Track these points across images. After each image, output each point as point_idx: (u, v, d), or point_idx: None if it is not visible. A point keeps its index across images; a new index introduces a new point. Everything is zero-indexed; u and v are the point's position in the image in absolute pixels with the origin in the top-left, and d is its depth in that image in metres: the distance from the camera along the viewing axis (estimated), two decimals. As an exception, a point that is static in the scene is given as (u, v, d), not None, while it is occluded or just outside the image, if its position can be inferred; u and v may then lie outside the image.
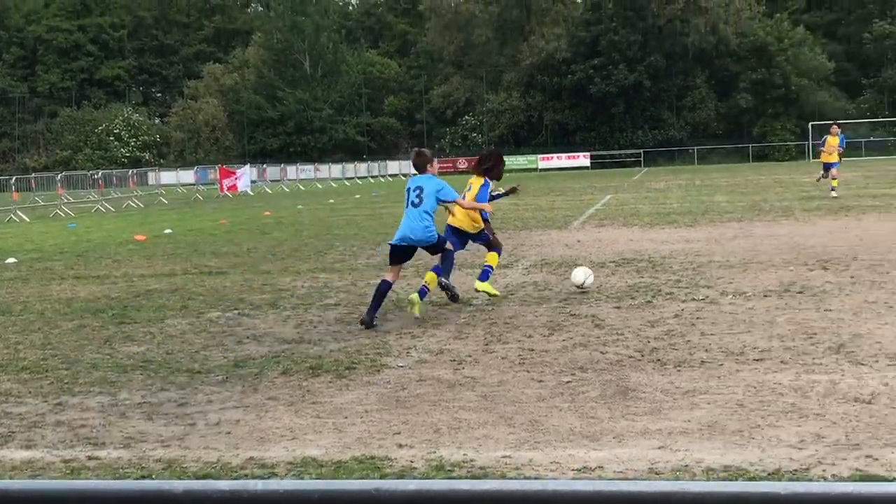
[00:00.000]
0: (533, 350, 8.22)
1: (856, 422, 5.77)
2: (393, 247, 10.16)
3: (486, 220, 11.20)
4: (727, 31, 72.07)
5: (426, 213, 10.05)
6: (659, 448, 5.45)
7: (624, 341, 8.42)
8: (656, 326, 9.02)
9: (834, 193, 25.06)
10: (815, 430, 5.63)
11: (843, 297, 10.16)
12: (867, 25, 74.01)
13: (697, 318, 9.39)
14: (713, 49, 73.44)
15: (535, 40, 74.18)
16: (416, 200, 10.11)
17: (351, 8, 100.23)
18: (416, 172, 10.64)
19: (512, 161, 72.81)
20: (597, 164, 70.69)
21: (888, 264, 12.49)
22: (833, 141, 25.70)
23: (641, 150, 71.59)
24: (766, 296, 10.51)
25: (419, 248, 10.35)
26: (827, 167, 25.84)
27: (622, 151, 72.48)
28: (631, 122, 73.88)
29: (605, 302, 10.58)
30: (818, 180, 27.11)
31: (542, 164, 72.00)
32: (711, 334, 8.55)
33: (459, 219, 10.97)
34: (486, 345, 8.54)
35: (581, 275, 11.45)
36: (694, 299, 10.48)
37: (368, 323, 9.51)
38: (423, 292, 10.23)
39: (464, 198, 10.82)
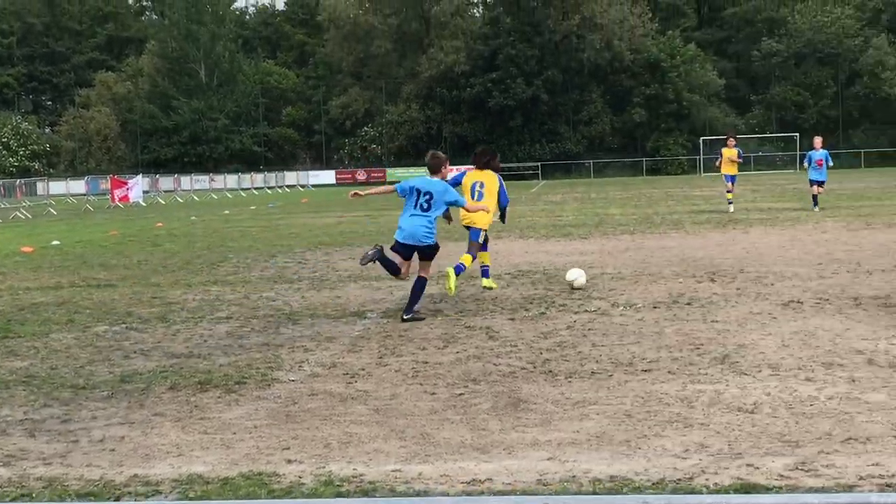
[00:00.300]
0: (427, 363, 8.22)
1: (738, 431, 5.89)
2: (401, 244, 10.73)
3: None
4: (622, 47, 73.46)
5: (432, 220, 10.69)
6: (548, 459, 5.48)
7: (517, 353, 8.47)
8: (549, 338, 9.10)
9: (731, 208, 25.46)
10: (699, 440, 5.73)
11: (729, 309, 10.40)
12: (756, 43, 76.26)
13: (589, 329, 9.51)
14: (608, 65, 74.78)
15: (435, 53, 74.52)
16: (425, 205, 10.66)
17: (248, 17, 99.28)
18: (427, 173, 11.14)
19: (412, 173, 73.05)
20: (495, 176, 71.25)
21: (773, 276, 12.85)
22: (729, 153, 26.01)
23: (539, 163, 72.43)
24: (655, 307, 10.70)
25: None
26: (728, 179, 25.98)
27: (520, 164, 73.21)
28: (529, 135, 74.66)
29: (499, 314, 10.64)
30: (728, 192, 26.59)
31: (441, 177, 72.32)
32: (602, 345, 8.67)
33: (467, 216, 11.95)
34: (380, 358, 8.50)
35: (574, 274, 12.38)
36: (586, 311, 10.61)
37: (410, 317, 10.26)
38: (459, 269, 11.18)
39: (480, 196, 12.01)
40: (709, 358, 7.99)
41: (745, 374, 7.37)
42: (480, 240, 12.11)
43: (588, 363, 7.96)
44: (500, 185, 12.51)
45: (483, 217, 11.92)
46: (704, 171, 68.22)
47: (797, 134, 71.04)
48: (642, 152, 74.21)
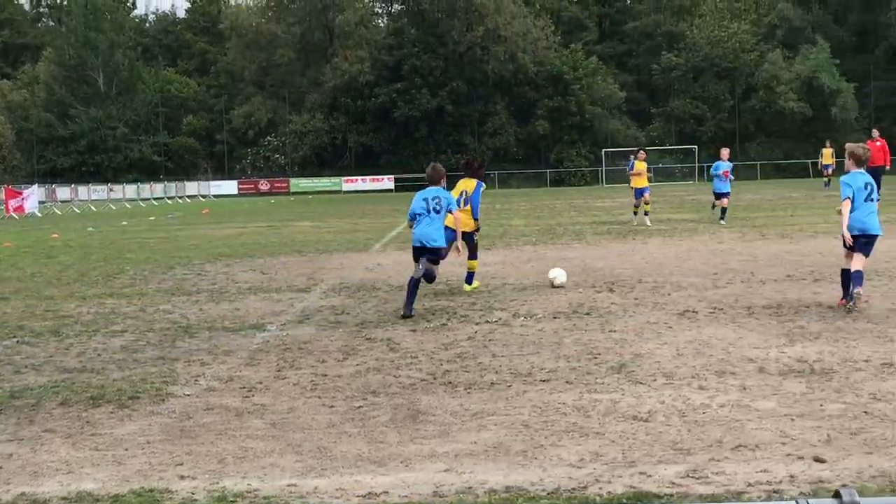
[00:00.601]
0: (326, 375, 8.15)
1: (633, 440, 5.98)
2: (417, 248, 11.66)
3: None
4: (525, 59, 74.14)
5: (441, 222, 11.76)
6: (445, 471, 5.48)
7: (417, 364, 8.46)
8: (450, 349, 9.12)
9: (648, 220, 24.94)
10: (594, 449, 5.80)
11: (627, 319, 10.56)
12: (656, 57, 77.74)
13: (490, 339, 9.55)
14: (512, 76, 75.41)
15: (339, 62, 74.23)
16: (437, 208, 11.70)
17: (148, 25, 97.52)
18: (428, 184, 12.26)
19: (315, 183, 72.60)
20: (401, 187, 71.17)
21: (669, 286, 13.09)
22: (640, 165, 25.75)
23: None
24: (555, 317, 10.80)
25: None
26: (639, 193, 25.31)
27: (425, 175, 73.32)
28: (434, 145, 74.81)
29: (401, 325, 10.63)
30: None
31: (346, 187, 71.98)
32: (502, 356, 8.71)
33: (465, 222, 12.95)
34: (279, 371, 8.41)
35: (554, 273, 13.53)
36: (487, 321, 10.67)
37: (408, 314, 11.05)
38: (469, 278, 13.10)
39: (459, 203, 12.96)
40: (606, 367, 8.09)
41: (641, 383, 7.48)
42: (476, 239, 13.55)
43: (488, 374, 7.99)
44: (477, 188, 13.60)
45: (471, 221, 13.24)
46: (607, 183, 69.27)
47: (696, 146, 72.62)
48: (546, 164, 74.97)
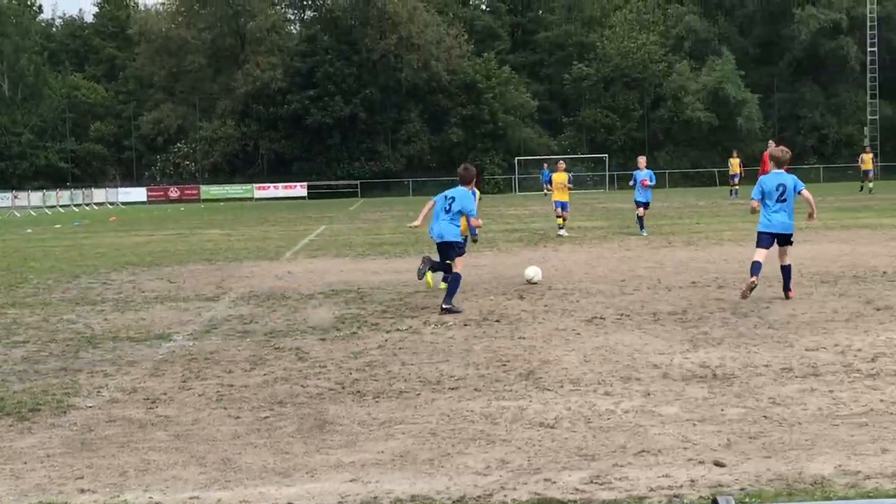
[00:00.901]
0: (232, 386, 8.05)
1: (538, 446, 6.02)
2: (437, 244, 12.58)
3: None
4: (439, 67, 74.37)
5: (453, 220, 12.45)
6: (351, 481, 5.46)
7: (326, 374, 8.41)
8: (359, 358, 9.08)
9: (562, 232, 24.25)
10: (500, 456, 5.83)
11: (536, 325, 10.65)
12: (567, 67, 78.68)
13: (400, 348, 9.54)
14: (426, 84, 75.59)
15: (250, 69, 73.53)
16: (448, 208, 12.42)
17: (55, 29, 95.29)
18: (459, 183, 12.77)
19: (227, 190, 71.77)
20: (314, 194, 70.81)
21: (578, 293, 13.24)
22: (560, 178, 25.27)
23: (358, 182, 72.48)
24: (466, 325, 10.84)
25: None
26: (561, 206, 24.61)
27: (339, 182, 73.03)
28: (347, 153, 74.57)
29: (310, 334, 10.55)
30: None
31: (258, 194, 71.30)
32: (412, 364, 8.71)
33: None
34: (184, 382, 8.28)
35: (531, 272, 14.48)
36: (398, 329, 10.66)
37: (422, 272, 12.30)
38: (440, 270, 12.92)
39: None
40: (514, 374, 8.14)
41: (548, 390, 7.55)
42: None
43: (397, 382, 7.98)
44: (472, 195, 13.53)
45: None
46: (520, 190, 69.85)
47: (606, 155, 73.70)
48: (460, 171, 75.29)
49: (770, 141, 35.07)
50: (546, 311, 11.74)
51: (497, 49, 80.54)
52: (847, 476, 5.26)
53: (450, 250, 12.41)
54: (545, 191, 55.59)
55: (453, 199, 12.47)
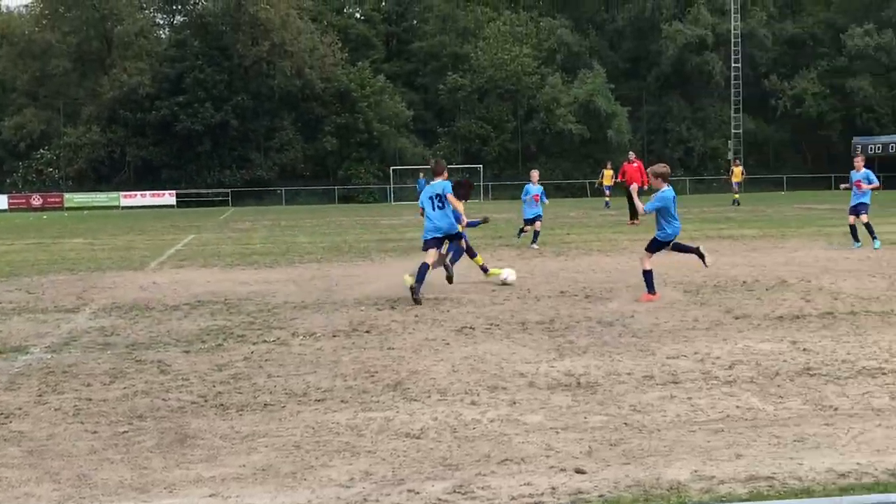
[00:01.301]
0: (91, 399, 7.80)
1: (404, 457, 6.00)
2: (426, 241, 13.93)
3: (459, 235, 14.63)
4: (313, 75, 73.82)
5: (448, 213, 13.89)
6: (210, 496, 5.34)
7: (188, 387, 8.22)
8: (224, 370, 8.91)
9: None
10: (365, 468, 5.78)
11: (406, 336, 10.64)
12: (442, 78, 79.11)
13: (266, 359, 9.40)
14: (299, 92, 74.92)
15: (117, 73, 71.65)
16: (440, 205, 13.88)
17: None
18: (433, 177, 14.35)
19: (92, 198, 69.72)
20: (183, 202, 69.41)
21: (449, 302, 13.30)
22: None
23: (229, 190, 71.35)
24: (335, 336, 10.75)
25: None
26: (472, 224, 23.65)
27: (209, 190, 71.75)
28: (218, 161, 73.28)
29: (174, 346, 10.30)
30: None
31: (124, 202, 69.43)
32: (278, 376, 8.59)
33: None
34: (40, 396, 7.98)
35: (505, 273, 15.32)
36: (265, 341, 10.50)
37: (417, 297, 13.25)
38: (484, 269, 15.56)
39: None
40: (382, 385, 8.11)
41: (415, 400, 7.53)
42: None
43: (262, 395, 7.86)
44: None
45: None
46: (395, 200, 69.89)
47: (481, 165, 74.37)
48: (334, 180, 74.87)
49: (630, 153, 35.99)
50: (417, 321, 11.74)
51: (372, 58, 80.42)
52: (702, 481, 5.39)
53: (454, 236, 14.26)
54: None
55: (439, 196, 13.87)
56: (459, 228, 14.44)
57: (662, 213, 13.20)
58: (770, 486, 5.27)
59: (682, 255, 14.07)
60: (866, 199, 20.60)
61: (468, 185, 16.39)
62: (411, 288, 13.38)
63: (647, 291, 13.17)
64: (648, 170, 13.75)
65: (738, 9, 79.12)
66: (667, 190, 13.17)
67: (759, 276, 15.49)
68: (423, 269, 13.61)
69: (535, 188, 23.31)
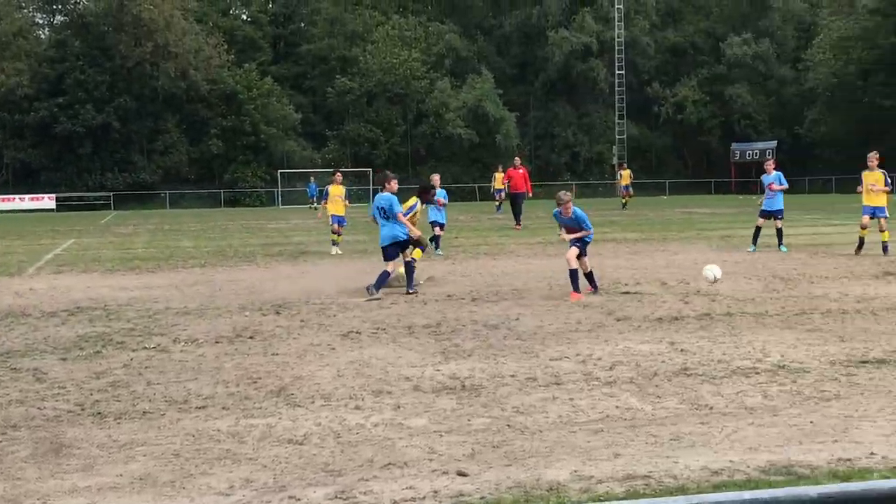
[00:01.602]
0: (-40, 410, 7.53)
1: (286, 463, 5.95)
2: (385, 248, 14.86)
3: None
4: (198, 77, 72.63)
5: (396, 223, 14.80)
6: (85, 508, 5.20)
7: (65, 395, 8.01)
8: (102, 378, 8.70)
9: (335, 250, 22.70)
10: (245, 475, 5.71)
11: (291, 341, 10.55)
12: (330, 81, 78.71)
13: (146, 367, 9.21)
14: (184, 94, 73.61)
15: (-5, 74, 69.40)
16: (387, 216, 14.86)
17: None
18: (380, 189, 15.50)
19: (-32, 202, 67.27)
20: (63, 206, 67.43)
21: (336, 307, 13.23)
22: (336, 190, 24.12)
23: (111, 193, 69.66)
24: (217, 342, 10.60)
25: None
26: (338, 221, 23.39)
27: (91, 194, 69.91)
28: (100, 163, 71.44)
29: (50, 354, 10.01)
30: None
31: (1, 206, 67.16)
32: (158, 383, 8.42)
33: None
34: None
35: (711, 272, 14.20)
36: (145, 348, 10.28)
37: (375, 295, 14.10)
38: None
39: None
40: (265, 392, 8.02)
41: (299, 406, 7.48)
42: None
43: (141, 402, 7.70)
44: (413, 205, 16.22)
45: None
46: (283, 204, 69.22)
47: (370, 169, 74.21)
48: (220, 183, 73.77)
49: (516, 158, 36.25)
50: (302, 326, 11.66)
51: (259, 60, 79.49)
52: (581, 481, 5.48)
53: (400, 247, 14.84)
54: (312, 204, 55.37)
55: (384, 210, 14.90)
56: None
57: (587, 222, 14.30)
58: (646, 485, 5.39)
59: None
60: (781, 205, 21.15)
61: (429, 189, 17.29)
62: (367, 289, 14.33)
63: (573, 290, 13.77)
64: (561, 206, 14.19)
65: (622, 17, 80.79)
66: (576, 208, 14.24)
67: (641, 279, 15.83)
68: (384, 276, 14.57)
69: (439, 193, 22.47)
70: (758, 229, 21.24)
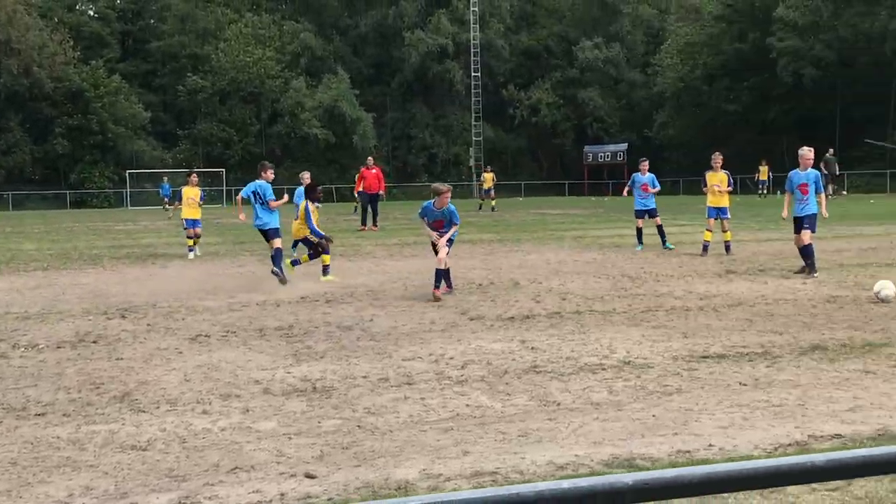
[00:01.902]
0: None
1: (128, 470, 5.79)
2: (265, 231, 15.96)
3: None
4: (42, 74, 70.06)
5: (266, 209, 15.86)
6: None
7: None
8: (-67, 386, 8.29)
9: (193, 254, 21.97)
10: (86, 483, 5.53)
11: (137, 345, 10.27)
12: (181, 79, 77.05)
13: (-17, 374, 8.82)
14: (27, 91, 70.92)
15: None
16: (261, 201, 15.84)
17: None
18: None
19: None
20: None
21: (185, 311, 12.95)
22: (192, 192, 23.08)
23: (-51, 194, 66.65)
24: (59, 347, 10.24)
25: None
26: (192, 223, 22.47)
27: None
28: (-63, 163, 68.34)
29: None
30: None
31: None
32: (-6, 391, 8.07)
33: (299, 230, 16.63)
34: None
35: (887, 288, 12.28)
36: (-19, 354, 9.85)
37: (282, 278, 15.52)
38: (295, 262, 16.79)
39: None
40: (108, 397, 7.79)
41: (144, 412, 7.29)
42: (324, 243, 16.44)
43: (-25, 411, 7.36)
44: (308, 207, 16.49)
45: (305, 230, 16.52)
46: (132, 205, 67.38)
47: (223, 170, 72.91)
48: (66, 184, 71.35)
49: (369, 158, 36.09)
50: (149, 330, 11.36)
51: (106, 57, 77.18)
52: (430, 479, 5.50)
53: (270, 232, 15.86)
54: (164, 205, 54.07)
55: (256, 193, 15.84)
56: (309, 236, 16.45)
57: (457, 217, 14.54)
58: (493, 481, 5.45)
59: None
60: (654, 204, 21.68)
61: (315, 187, 17.51)
62: (273, 272, 15.61)
63: (436, 286, 13.95)
64: (438, 196, 14.17)
65: (477, 20, 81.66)
66: (450, 203, 14.36)
67: (495, 279, 16.03)
68: (278, 253, 15.74)
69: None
70: (639, 230, 21.76)
